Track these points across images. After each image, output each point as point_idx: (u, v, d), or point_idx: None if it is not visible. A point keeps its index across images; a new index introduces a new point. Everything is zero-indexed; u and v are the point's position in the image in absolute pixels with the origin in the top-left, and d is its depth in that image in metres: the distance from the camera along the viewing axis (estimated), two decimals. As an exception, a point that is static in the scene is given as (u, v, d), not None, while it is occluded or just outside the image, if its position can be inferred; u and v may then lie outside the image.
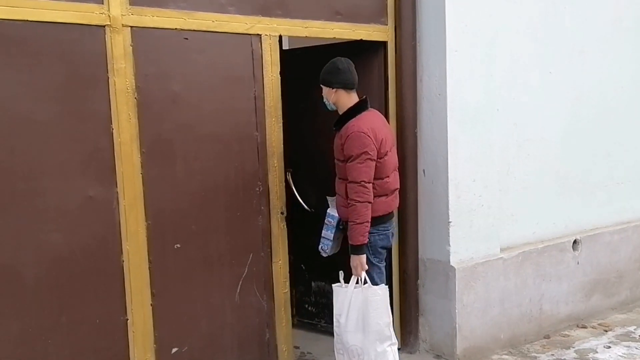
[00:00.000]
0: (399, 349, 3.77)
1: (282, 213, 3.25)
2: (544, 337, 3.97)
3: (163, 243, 2.88)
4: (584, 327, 4.15)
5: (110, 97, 2.67)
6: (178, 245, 2.93)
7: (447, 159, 3.50)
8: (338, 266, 3.97)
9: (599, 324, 4.19)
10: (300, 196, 4.03)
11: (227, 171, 3.05)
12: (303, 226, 4.07)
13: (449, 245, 3.55)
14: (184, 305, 2.96)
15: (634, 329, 4.07)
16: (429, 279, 3.70)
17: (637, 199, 4.66)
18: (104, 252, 2.71)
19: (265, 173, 3.19)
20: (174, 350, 2.94)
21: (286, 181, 4.09)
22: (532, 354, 3.71)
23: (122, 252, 2.75)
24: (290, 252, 4.11)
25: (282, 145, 3.26)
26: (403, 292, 3.74)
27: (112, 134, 2.69)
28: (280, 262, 3.27)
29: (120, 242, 2.74)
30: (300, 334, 4.10)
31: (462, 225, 3.58)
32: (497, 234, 3.76)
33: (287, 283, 3.31)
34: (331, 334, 4.05)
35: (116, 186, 2.71)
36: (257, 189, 3.17)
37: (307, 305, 4.16)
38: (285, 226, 3.27)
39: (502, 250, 3.80)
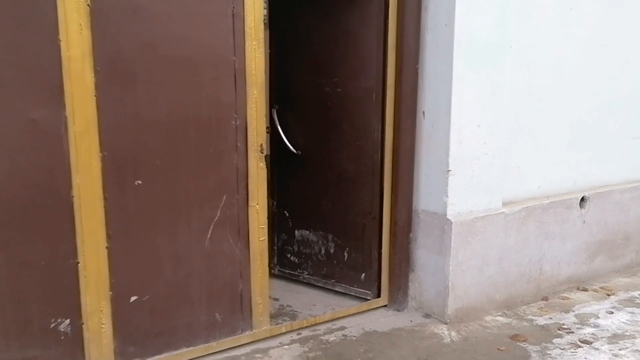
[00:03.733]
0: (385, 306, 3.50)
1: (261, 151, 2.88)
2: (542, 299, 3.69)
3: (121, 178, 2.52)
4: (585, 290, 3.87)
5: (57, 1, 2.24)
6: (139, 182, 2.57)
7: (450, 99, 3.11)
8: (323, 215, 3.65)
9: (601, 288, 3.91)
10: (286, 136, 3.66)
11: (198, 100, 2.66)
12: (288, 170, 3.72)
13: (447, 196, 3.21)
14: (145, 249, 2.63)
15: (639, 294, 3.79)
16: (423, 233, 3.38)
17: (651, 156, 4.31)
18: (50, 185, 2.35)
19: (243, 105, 2.80)
20: (133, 298, 2.62)
21: (271, 119, 3.73)
22: (529, 317, 3.43)
23: (71, 187, 2.39)
24: (272, 197, 3.80)
25: (264, 74, 2.86)
26: (393, 245, 3.41)
27: (60, 46, 2.28)
28: (257, 206, 2.92)
29: (70, 174, 2.38)
30: (281, 285, 3.82)
31: (462, 175, 3.23)
32: (500, 187, 3.41)
33: (265, 230, 2.97)
34: (314, 286, 3.78)
35: (64, 109, 2.32)
36: (234, 123, 2.78)
37: (289, 255, 3.85)
38: (264, 166, 2.91)
39: (504, 204, 3.46)
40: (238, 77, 2.75)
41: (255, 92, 2.82)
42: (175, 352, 2.78)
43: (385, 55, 3.23)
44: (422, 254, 3.40)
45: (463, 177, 3.24)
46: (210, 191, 2.78)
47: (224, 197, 2.82)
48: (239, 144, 2.82)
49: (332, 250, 3.65)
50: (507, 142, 3.40)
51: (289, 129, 3.65)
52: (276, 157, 3.77)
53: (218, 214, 2.82)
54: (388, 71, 3.24)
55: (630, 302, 3.67)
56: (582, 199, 3.83)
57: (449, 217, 3.22)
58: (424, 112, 3.28)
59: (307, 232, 3.74)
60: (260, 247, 2.97)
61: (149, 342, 2.70)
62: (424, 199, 3.35)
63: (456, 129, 3.15)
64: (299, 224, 3.77)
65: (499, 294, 3.49)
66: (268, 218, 2.99)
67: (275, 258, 3.91)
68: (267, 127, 3.66)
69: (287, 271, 3.88)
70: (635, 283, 4.01)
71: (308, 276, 3.78)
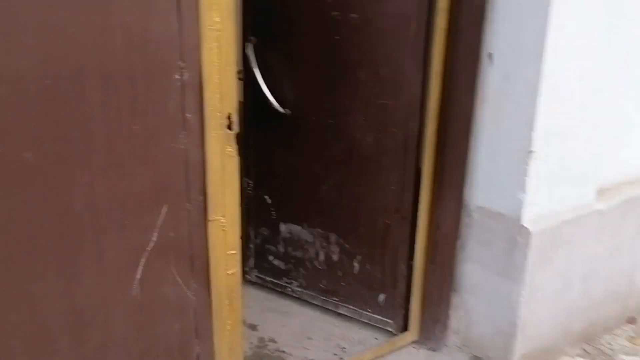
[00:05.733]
0: (415, 342, 2.40)
1: (229, 127, 1.63)
2: (628, 322, 2.64)
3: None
4: (679, 302, 2.83)
5: None
6: (-7, 195, 1.33)
7: (544, 34, 1.87)
8: (323, 206, 2.47)
9: (698, 298, 2.86)
10: (268, 86, 2.39)
11: (106, 35, 1.38)
12: (272, 136, 2.49)
13: (524, 191, 2.04)
14: (11, 308, 1.42)
15: None
16: (477, 240, 2.22)
17: None
18: None
19: (194, 44, 1.52)
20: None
21: (245, 59, 2.44)
22: (620, 356, 2.38)
23: None
24: (247, 176, 2.59)
25: (233, -12, 1.57)
26: (431, 258, 2.27)
27: None
28: (223, 220, 1.70)
29: None
30: (260, 300, 2.68)
31: (550, 158, 2.05)
32: (596, 171, 2.25)
33: (237, 257, 1.77)
34: (308, 303, 2.65)
35: None
36: (178, 77, 1.52)
37: (272, 258, 2.68)
38: (235, 152, 1.67)
39: (597, 195, 2.31)
40: (183, -10, 1.46)
41: (218, 20, 1.53)
42: None
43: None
44: (473, 270, 2.26)
45: (551, 162, 2.05)
46: (137, 200, 1.55)
47: (164, 210, 1.60)
48: (188, 114, 1.56)
49: (335, 257, 2.49)
50: (613, 101, 2.20)
51: (273, 74, 2.38)
52: (254, 115, 2.51)
53: (154, 238, 1.60)
54: (440, -15, 1.96)
55: None
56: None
57: (525, 223, 2.06)
58: (491, 55, 2.04)
59: (299, 227, 2.55)
60: (229, 284, 1.78)
61: None
62: (482, 192, 2.17)
63: (549, 84, 1.93)
64: (287, 215, 2.57)
65: (578, 323, 2.41)
66: (242, 206, 1.78)
67: (252, 260, 2.74)
68: (238, 72, 2.38)
69: (268, 279, 2.72)
70: None
71: (299, 289, 2.63)
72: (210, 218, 1.68)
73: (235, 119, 1.64)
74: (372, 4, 2.07)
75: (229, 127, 1.63)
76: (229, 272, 1.76)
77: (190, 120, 1.57)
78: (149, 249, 1.60)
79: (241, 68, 2.39)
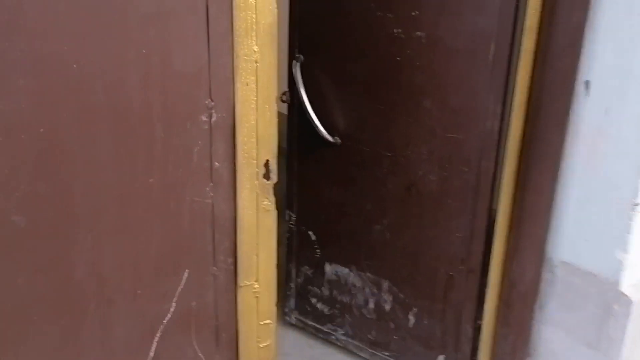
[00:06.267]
0: (479, 414, 2.05)
1: (266, 177, 1.33)
2: None
3: None
4: None
5: None
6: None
7: (661, 61, 1.50)
8: (375, 248, 2.15)
9: None
10: (315, 111, 2.09)
11: (118, 73, 1.11)
12: (318, 166, 2.19)
13: (626, 250, 1.66)
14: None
15: None
16: (560, 301, 1.86)
17: None
18: None
19: (225, 79, 1.23)
20: None
21: (291, 78, 2.15)
22: None
23: None
24: (290, 208, 2.30)
25: (276, 8, 1.26)
26: (504, 320, 1.92)
27: None
28: (256, 285, 1.41)
29: None
30: (300, 346, 2.40)
31: (659, 210, 1.67)
32: None
33: (272, 328, 1.48)
34: (354, 354, 2.35)
35: None
36: (205, 119, 1.24)
37: (315, 300, 2.38)
38: (273, 206, 1.37)
39: None
40: (213, 12, 1.17)
41: (256, 49, 1.24)
42: None
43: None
44: (554, 335, 1.90)
45: (660, 216, 1.67)
46: (152, 265, 1.28)
47: (185, 275, 1.32)
48: (216, 163, 1.28)
49: (387, 307, 2.17)
50: None
51: (322, 98, 2.07)
52: (299, 141, 2.22)
53: (172, 309, 1.33)
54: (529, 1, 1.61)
55: None
56: None
57: (624, 288, 1.69)
58: (587, 83, 1.67)
59: (346, 270, 2.24)
60: (262, 359, 1.50)
61: None
62: (570, 246, 1.80)
63: (663, 122, 1.56)
64: (333, 255, 2.27)
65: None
66: (281, 241, 1.50)
67: (293, 300, 2.45)
68: (283, 94, 2.09)
69: (310, 323, 2.43)
70: None
71: (344, 338, 2.33)
72: (240, 284, 1.39)
73: (274, 166, 1.34)
74: (443, 21, 1.73)
75: (266, 177, 1.34)
76: (262, 345, 1.48)
77: (219, 169, 1.29)
78: (165, 321, 1.33)
79: (286, 89, 2.10)
